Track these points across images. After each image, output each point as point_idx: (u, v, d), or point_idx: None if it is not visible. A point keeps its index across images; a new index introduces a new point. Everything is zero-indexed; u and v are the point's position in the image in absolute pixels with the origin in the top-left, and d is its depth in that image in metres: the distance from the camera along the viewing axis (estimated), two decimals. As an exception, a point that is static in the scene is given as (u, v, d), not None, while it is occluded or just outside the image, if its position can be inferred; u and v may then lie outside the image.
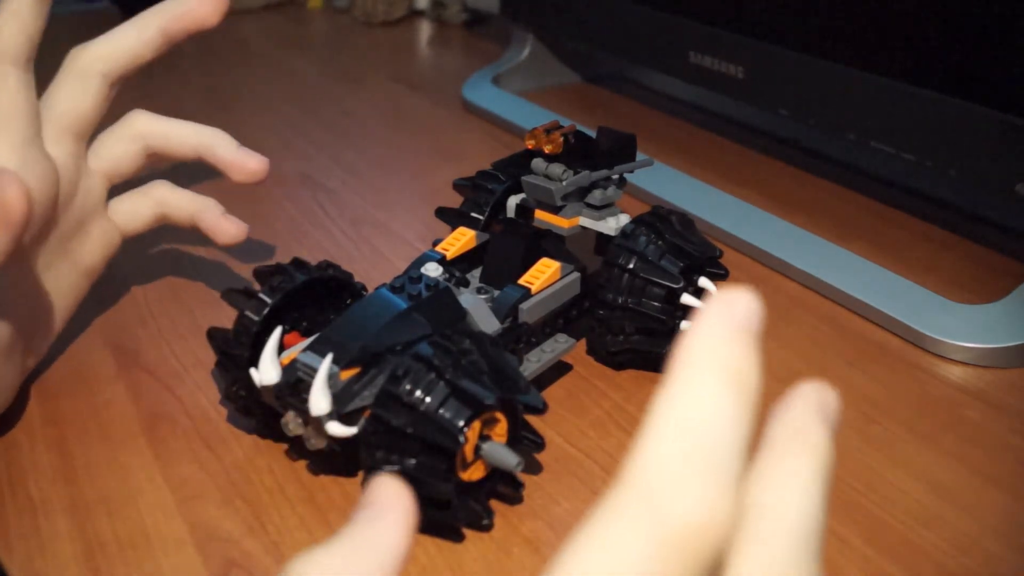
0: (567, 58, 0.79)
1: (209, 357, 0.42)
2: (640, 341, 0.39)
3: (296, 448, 0.35)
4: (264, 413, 0.35)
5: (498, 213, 0.43)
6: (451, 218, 0.43)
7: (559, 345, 0.39)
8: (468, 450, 0.30)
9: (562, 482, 0.34)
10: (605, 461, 0.35)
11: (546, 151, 0.39)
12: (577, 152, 0.40)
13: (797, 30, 0.51)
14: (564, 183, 0.39)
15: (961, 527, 0.32)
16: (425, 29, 0.99)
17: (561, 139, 0.39)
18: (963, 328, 0.42)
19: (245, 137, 0.69)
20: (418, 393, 0.30)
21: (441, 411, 0.29)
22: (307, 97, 0.78)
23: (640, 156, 0.41)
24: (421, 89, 0.79)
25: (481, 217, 0.42)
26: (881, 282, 0.46)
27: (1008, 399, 0.39)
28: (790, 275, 0.48)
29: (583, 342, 0.42)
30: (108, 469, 0.35)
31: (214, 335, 0.35)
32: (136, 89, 0.80)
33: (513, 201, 0.43)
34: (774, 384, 0.42)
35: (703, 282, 0.39)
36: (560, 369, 0.40)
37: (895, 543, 0.32)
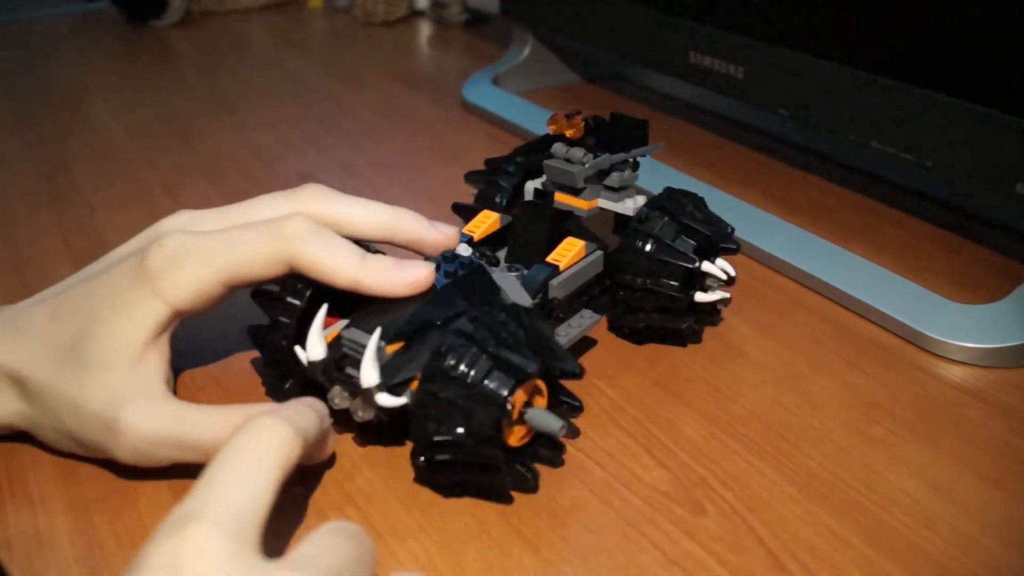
0: (567, 58, 0.79)
1: (209, 357, 0.42)
2: (659, 318, 0.40)
3: (341, 421, 0.36)
4: (303, 390, 0.36)
5: (518, 198, 0.44)
6: (469, 212, 0.44)
7: (585, 320, 0.40)
8: (513, 417, 0.31)
9: (562, 481, 0.34)
10: (604, 461, 0.35)
11: (568, 135, 0.41)
12: (594, 137, 0.42)
13: (797, 30, 0.51)
14: (586, 166, 0.40)
15: (961, 527, 0.32)
16: (425, 29, 0.99)
17: (582, 124, 0.41)
18: (963, 328, 0.42)
19: (244, 136, 0.70)
20: (463, 366, 0.31)
21: (486, 382, 0.31)
22: (307, 97, 0.78)
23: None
24: (421, 89, 0.79)
25: (507, 188, 0.44)
26: (881, 282, 0.46)
27: (1008, 399, 0.39)
28: (790, 275, 0.48)
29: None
30: (108, 468, 0.35)
31: (255, 331, 0.36)
32: (136, 90, 0.80)
33: (531, 186, 0.44)
34: (774, 384, 0.42)
35: (711, 266, 0.40)
36: (585, 344, 0.42)
37: (895, 543, 0.32)
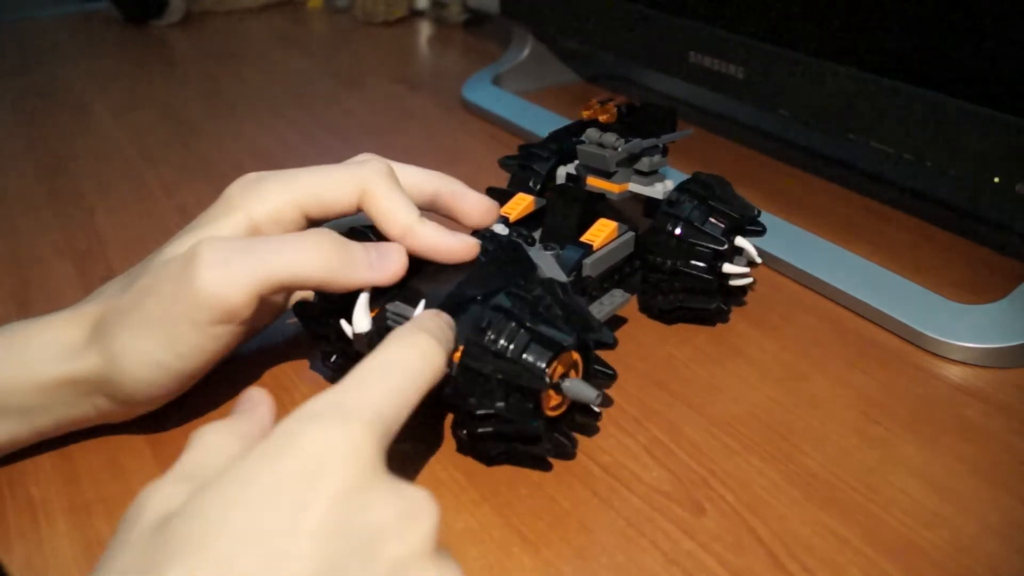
0: (567, 58, 0.79)
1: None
2: (688, 299, 0.42)
3: None
4: (347, 361, 0.37)
5: (550, 182, 0.45)
6: (502, 195, 0.45)
7: (616, 299, 0.41)
8: (551, 389, 0.32)
9: (562, 482, 0.34)
10: (605, 461, 0.35)
11: (601, 120, 0.43)
12: (625, 123, 0.43)
13: (797, 30, 0.51)
14: (619, 150, 0.42)
15: (961, 527, 0.32)
16: (425, 29, 0.99)
17: (615, 109, 0.43)
18: (963, 328, 0.42)
19: (244, 136, 0.70)
20: (502, 341, 0.32)
21: (525, 356, 0.31)
22: (307, 97, 0.78)
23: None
24: (421, 89, 0.79)
25: (548, 158, 0.45)
26: (881, 282, 0.46)
27: (1008, 399, 0.39)
28: (790, 275, 0.48)
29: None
30: (108, 469, 0.35)
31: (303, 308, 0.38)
32: (136, 90, 0.80)
33: (564, 171, 0.45)
34: (774, 384, 0.42)
35: (743, 240, 0.41)
36: (614, 323, 0.43)
37: (895, 543, 0.32)
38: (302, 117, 0.73)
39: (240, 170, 0.62)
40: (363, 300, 0.35)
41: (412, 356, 0.28)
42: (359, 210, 0.37)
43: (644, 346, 0.43)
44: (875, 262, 0.47)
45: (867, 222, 0.54)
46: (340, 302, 0.36)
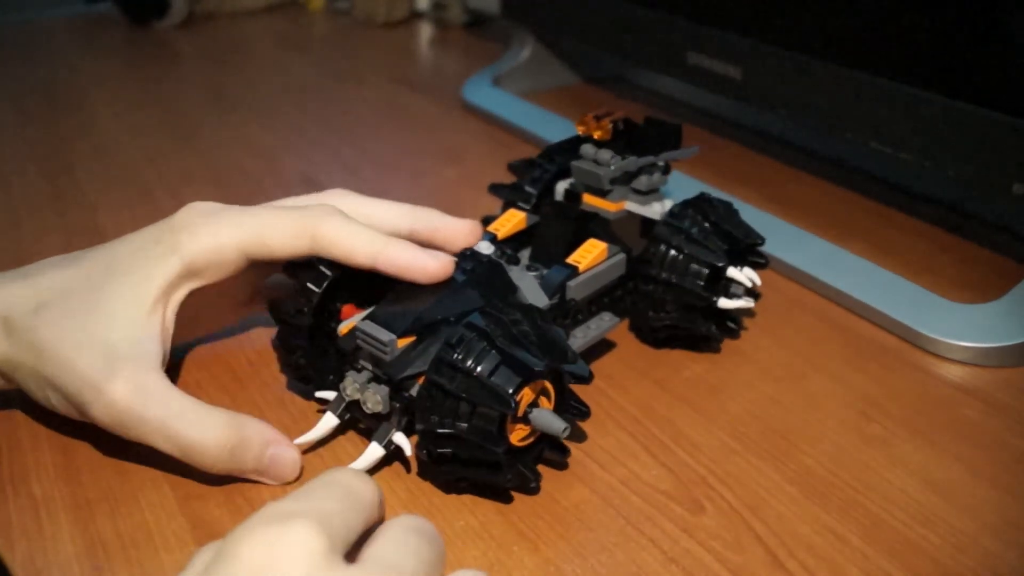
0: (567, 59, 0.79)
1: (208, 356, 0.42)
2: (680, 318, 0.40)
3: (350, 411, 0.35)
4: (320, 380, 0.36)
5: (547, 197, 0.44)
6: (504, 194, 0.44)
7: (604, 323, 0.40)
8: (518, 416, 0.32)
9: (561, 480, 0.35)
10: (604, 459, 0.36)
11: (595, 136, 0.41)
12: (625, 139, 0.42)
13: (796, 30, 0.51)
14: (612, 168, 0.40)
15: (959, 525, 0.32)
16: (426, 30, 0.99)
17: (610, 126, 0.41)
18: (961, 328, 0.42)
19: (246, 137, 0.70)
20: (471, 360, 0.31)
21: (493, 378, 0.31)
22: (308, 97, 0.78)
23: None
24: (422, 90, 0.79)
25: (533, 193, 0.43)
26: (880, 282, 0.46)
27: (1006, 398, 0.39)
28: (790, 275, 0.48)
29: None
30: (110, 468, 0.35)
31: (276, 306, 0.37)
32: (139, 91, 0.80)
33: (562, 186, 0.44)
34: (773, 384, 0.42)
35: (736, 272, 0.40)
36: (604, 347, 0.42)
37: (893, 541, 0.32)
38: (303, 118, 0.73)
39: (241, 170, 0.62)
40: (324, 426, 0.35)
41: (357, 481, 0.27)
42: (309, 254, 0.36)
43: (644, 345, 0.43)
44: (874, 262, 0.47)
45: (866, 222, 0.54)
46: (313, 315, 0.36)
